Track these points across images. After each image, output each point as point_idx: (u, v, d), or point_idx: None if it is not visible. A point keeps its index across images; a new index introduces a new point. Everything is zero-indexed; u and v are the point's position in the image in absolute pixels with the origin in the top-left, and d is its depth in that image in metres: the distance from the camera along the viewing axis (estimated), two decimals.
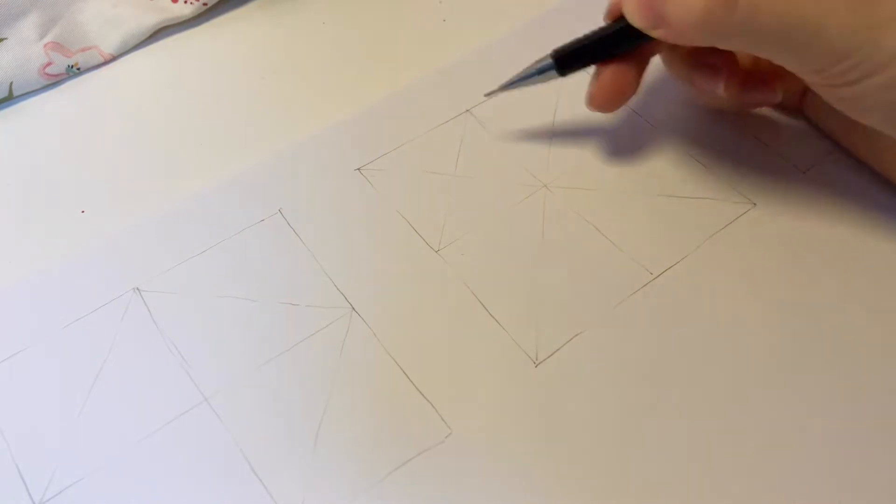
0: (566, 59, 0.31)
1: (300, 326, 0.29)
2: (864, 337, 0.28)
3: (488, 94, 0.34)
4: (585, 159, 0.34)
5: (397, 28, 0.40)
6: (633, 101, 0.34)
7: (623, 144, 0.34)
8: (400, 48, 0.39)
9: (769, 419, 0.27)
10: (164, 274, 0.30)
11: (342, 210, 0.32)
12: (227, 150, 0.35)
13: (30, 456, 0.26)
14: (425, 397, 0.27)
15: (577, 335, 0.28)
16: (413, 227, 0.31)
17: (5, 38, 0.37)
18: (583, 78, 0.32)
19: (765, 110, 0.35)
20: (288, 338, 0.29)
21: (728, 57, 0.30)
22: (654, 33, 0.28)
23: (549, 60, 0.31)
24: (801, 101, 0.34)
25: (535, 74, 0.32)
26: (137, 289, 0.30)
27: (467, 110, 0.35)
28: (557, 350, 0.28)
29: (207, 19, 0.41)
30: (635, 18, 0.28)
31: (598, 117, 0.35)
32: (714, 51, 0.30)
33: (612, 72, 0.31)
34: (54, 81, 0.38)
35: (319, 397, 0.27)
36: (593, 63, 0.31)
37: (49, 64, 0.37)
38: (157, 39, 0.40)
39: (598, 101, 0.31)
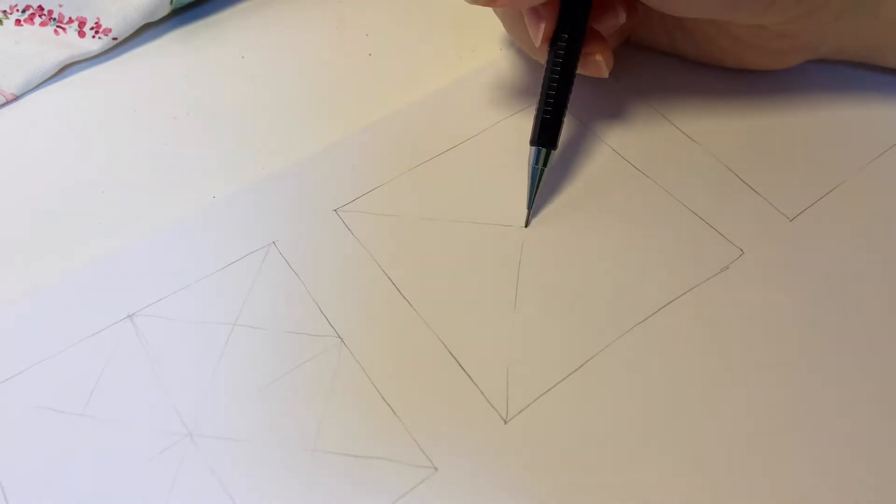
0: (546, 137, 0.30)
1: (289, 356, 0.28)
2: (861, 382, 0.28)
3: (528, 224, 0.31)
4: (568, 204, 0.32)
5: (323, 64, 0.38)
6: (623, 149, 0.33)
7: (604, 184, 0.33)
8: (322, 91, 0.37)
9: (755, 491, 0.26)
10: (157, 303, 0.29)
11: (325, 248, 0.31)
12: (142, 198, 0.33)
13: (18, 491, 0.25)
14: (411, 434, 0.27)
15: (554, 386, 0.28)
16: (387, 273, 0.30)
17: None
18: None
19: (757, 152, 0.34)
20: (276, 368, 0.28)
21: None
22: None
23: (534, 150, 0.30)
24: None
25: (537, 168, 0.30)
26: (129, 316, 0.29)
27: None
28: (529, 405, 0.27)
29: (118, 54, 0.38)
30: None
31: (581, 162, 0.33)
32: None
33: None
34: None
35: (311, 424, 0.27)
36: (563, 108, 0.30)
37: None
38: (64, 77, 0.37)
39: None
